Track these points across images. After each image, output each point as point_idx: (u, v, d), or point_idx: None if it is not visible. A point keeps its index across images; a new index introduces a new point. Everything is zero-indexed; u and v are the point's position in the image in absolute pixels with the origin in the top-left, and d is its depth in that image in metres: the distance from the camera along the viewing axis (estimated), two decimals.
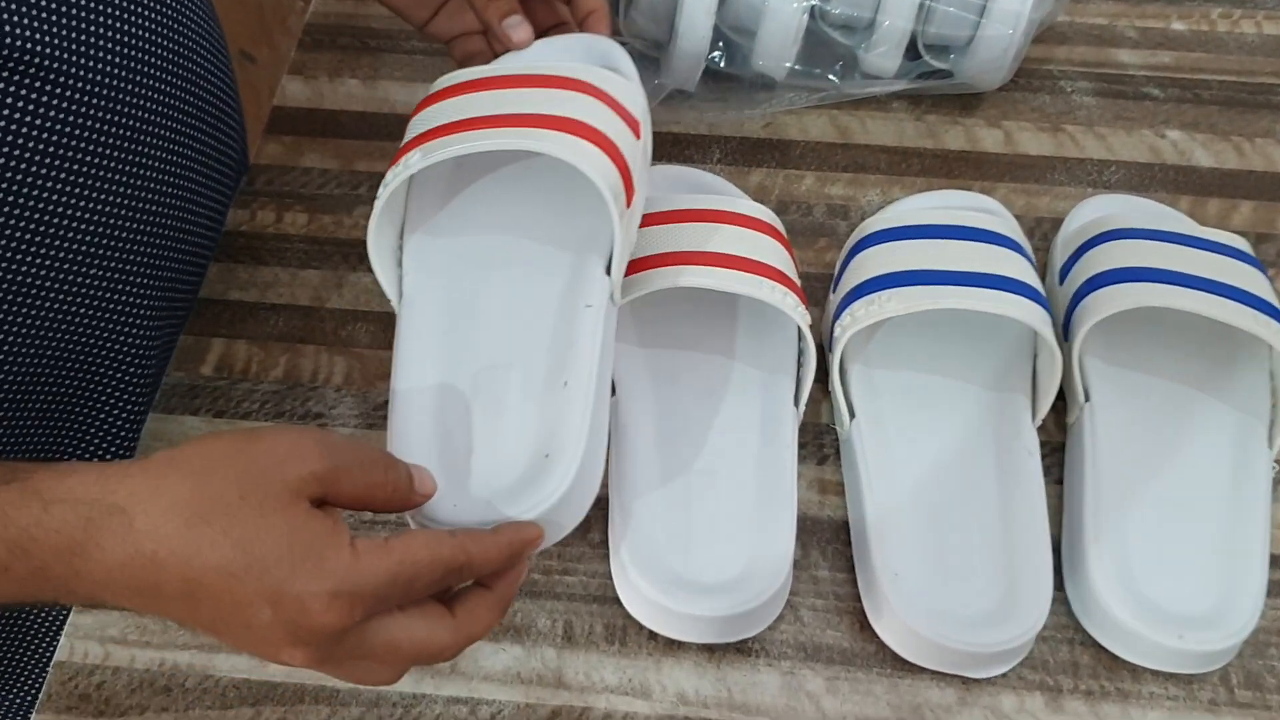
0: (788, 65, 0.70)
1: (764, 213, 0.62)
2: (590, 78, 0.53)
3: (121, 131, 0.55)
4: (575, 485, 0.46)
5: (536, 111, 0.50)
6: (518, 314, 0.52)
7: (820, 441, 0.62)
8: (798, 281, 0.61)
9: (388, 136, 0.74)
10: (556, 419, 0.48)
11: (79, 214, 0.54)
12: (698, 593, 0.53)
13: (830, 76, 0.71)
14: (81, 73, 0.52)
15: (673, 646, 0.56)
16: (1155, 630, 0.53)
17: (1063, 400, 0.61)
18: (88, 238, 0.54)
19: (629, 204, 0.51)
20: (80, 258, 0.55)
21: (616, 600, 0.57)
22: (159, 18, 0.57)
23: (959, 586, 0.54)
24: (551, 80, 0.53)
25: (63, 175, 0.52)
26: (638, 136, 0.53)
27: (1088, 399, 0.60)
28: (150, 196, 0.58)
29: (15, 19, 0.48)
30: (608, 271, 0.52)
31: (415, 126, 0.53)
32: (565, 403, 0.48)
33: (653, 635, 0.56)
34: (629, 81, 0.55)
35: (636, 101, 0.55)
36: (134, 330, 0.59)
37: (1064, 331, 0.61)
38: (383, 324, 0.66)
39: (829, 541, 0.59)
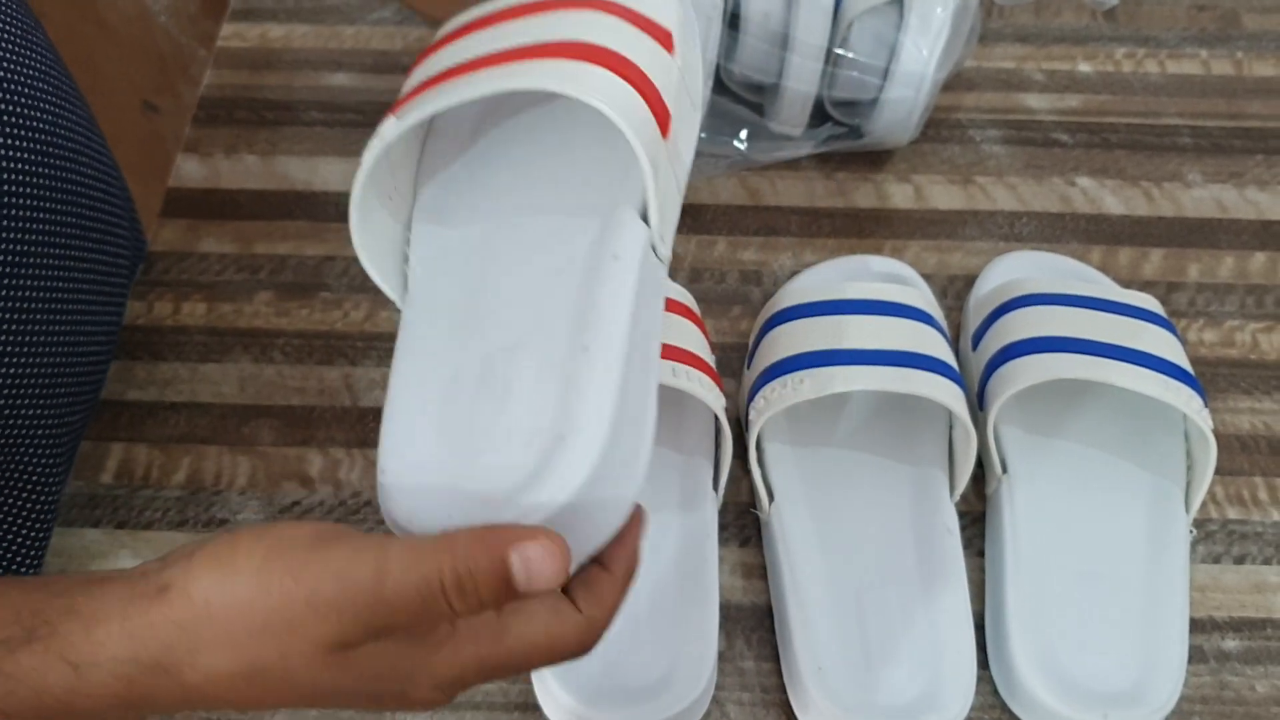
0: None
1: (679, 293, 0.61)
2: None
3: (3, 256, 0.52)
4: (598, 473, 0.36)
5: (533, 42, 0.41)
6: (537, 282, 0.42)
7: (742, 522, 0.61)
8: (711, 359, 0.59)
9: (287, 216, 0.72)
10: (574, 393, 0.38)
11: None
12: (621, 701, 0.52)
13: (736, 144, 0.70)
14: None
15: None
16: (1080, 711, 0.52)
17: (981, 468, 0.61)
18: None
19: (665, 134, 0.41)
20: None
21: (538, 708, 0.55)
22: (36, 130, 0.54)
23: (883, 676, 0.54)
24: (556, 2, 0.43)
25: None
26: (670, 50, 0.43)
27: (1005, 470, 0.59)
28: (37, 316, 0.55)
29: None
30: (645, 219, 0.41)
31: (405, 86, 0.43)
32: (586, 368, 0.38)
33: None
34: None
35: (667, 10, 0.44)
36: (37, 454, 0.56)
37: (979, 399, 0.61)
38: (286, 419, 0.64)
39: (753, 629, 0.58)
